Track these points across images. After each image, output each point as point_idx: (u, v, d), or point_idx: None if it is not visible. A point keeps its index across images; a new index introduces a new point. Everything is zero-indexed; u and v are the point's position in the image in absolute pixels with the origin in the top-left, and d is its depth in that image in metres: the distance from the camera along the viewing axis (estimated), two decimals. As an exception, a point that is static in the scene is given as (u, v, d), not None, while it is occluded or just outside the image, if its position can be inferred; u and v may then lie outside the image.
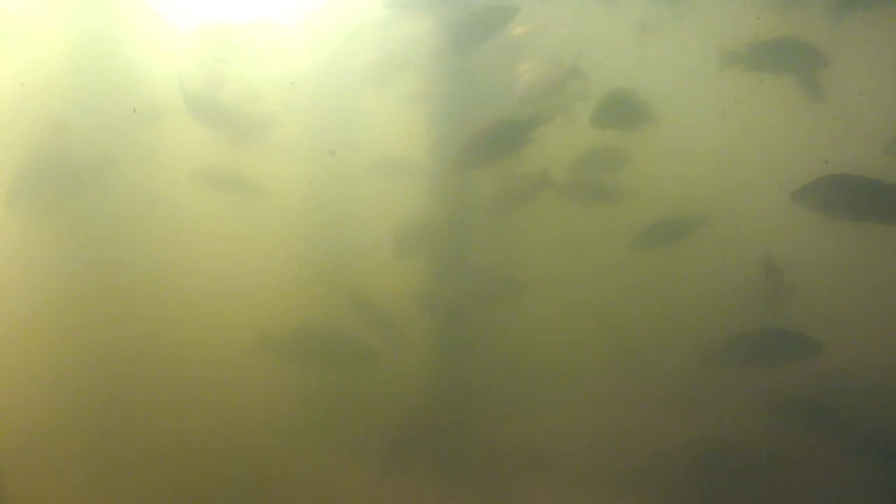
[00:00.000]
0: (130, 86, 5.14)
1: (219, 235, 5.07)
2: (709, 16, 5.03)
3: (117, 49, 5.16)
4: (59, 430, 4.70)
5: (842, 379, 4.52)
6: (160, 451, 4.51)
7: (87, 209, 5.13)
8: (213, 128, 5.18)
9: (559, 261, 5.10)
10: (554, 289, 5.09)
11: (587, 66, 4.63)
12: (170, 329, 4.91)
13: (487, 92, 4.96)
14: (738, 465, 4.52)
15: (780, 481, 4.42)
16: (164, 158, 5.19)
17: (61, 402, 4.79)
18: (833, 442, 4.40)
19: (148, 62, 5.19)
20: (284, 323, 4.81)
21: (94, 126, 5.06)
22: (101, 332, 4.93)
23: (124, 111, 4.99)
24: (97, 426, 4.73)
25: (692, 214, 4.76)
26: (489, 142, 4.45)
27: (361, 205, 5.39)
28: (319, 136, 5.39)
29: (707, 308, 4.94)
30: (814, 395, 4.51)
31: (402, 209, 5.14)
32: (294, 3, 5.25)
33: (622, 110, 4.47)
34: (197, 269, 4.99)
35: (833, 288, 4.72)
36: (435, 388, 5.12)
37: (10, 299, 4.78)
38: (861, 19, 4.61)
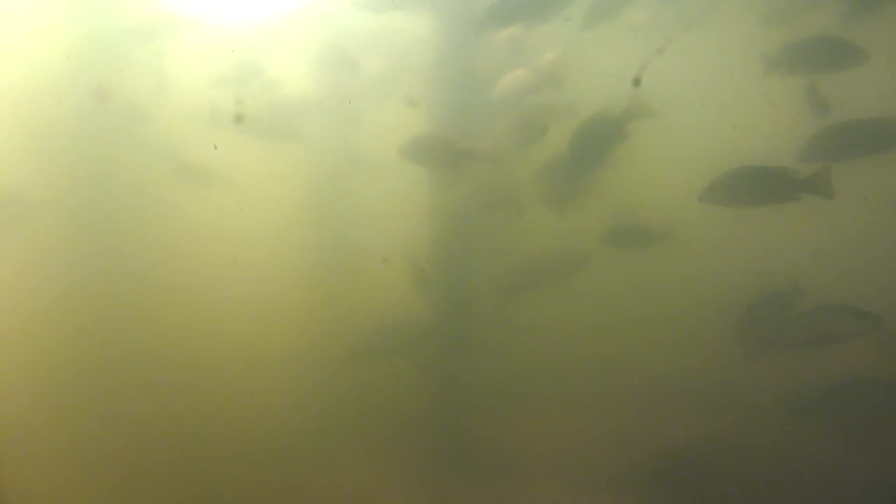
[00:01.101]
0: (132, 87, 5.13)
1: (224, 238, 5.01)
2: (711, 19, 5.06)
3: (120, 49, 5.14)
4: (63, 439, 4.67)
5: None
6: (165, 459, 4.54)
7: (89, 211, 5.10)
8: (216, 130, 5.10)
9: (562, 256, 5.08)
10: (557, 285, 5.10)
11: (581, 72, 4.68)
12: (176, 334, 4.89)
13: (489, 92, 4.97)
14: (746, 465, 4.56)
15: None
16: (163, 159, 5.20)
17: (64, 410, 4.75)
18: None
19: (150, 62, 5.19)
20: (289, 324, 4.88)
21: (94, 127, 5.05)
22: (105, 339, 4.90)
23: (127, 111, 5.01)
24: (103, 435, 4.70)
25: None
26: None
27: (363, 205, 5.38)
28: (322, 137, 5.39)
29: (708, 306, 4.99)
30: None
31: (402, 208, 5.17)
32: (294, 4, 5.24)
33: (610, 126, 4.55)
34: (202, 274, 4.97)
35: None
36: (435, 388, 5.15)
37: (11, 305, 4.76)
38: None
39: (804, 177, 4.08)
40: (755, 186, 4.19)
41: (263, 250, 5.01)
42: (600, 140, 4.54)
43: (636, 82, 4.42)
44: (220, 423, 4.66)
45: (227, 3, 5.19)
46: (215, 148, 4.74)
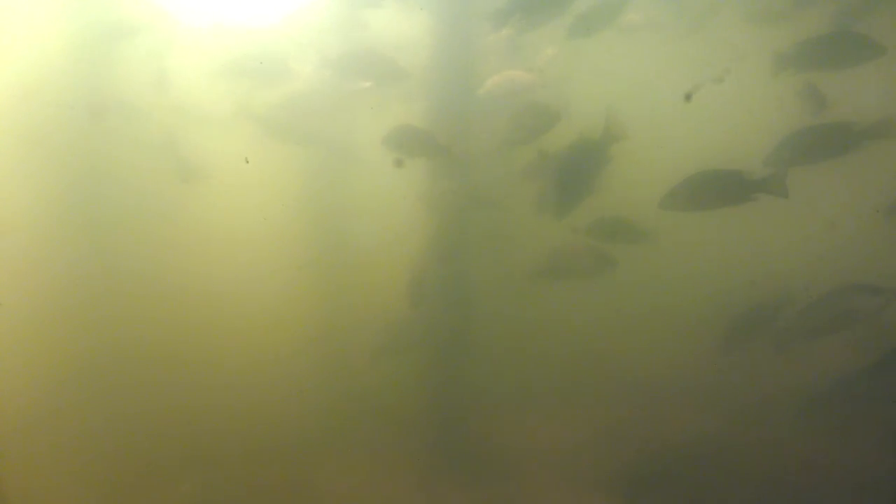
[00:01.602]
0: (130, 85, 5.17)
1: (225, 237, 5.10)
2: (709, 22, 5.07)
3: (117, 45, 5.16)
4: (64, 437, 4.69)
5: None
6: (165, 457, 4.56)
7: (90, 209, 5.15)
8: (213, 127, 5.20)
9: (556, 257, 5.01)
10: (552, 285, 5.06)
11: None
12: (175, 333, 4.93)
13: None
14: (744, 462, 4.55)
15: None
16: (164, 158, 5.21)
17: (65, 409, 4.78)
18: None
19: (148, 59, 5.19)
20: (290, 324, 4.92)
21: (95, 125, 5.09)
22: (106, 338, 4.94)
23: (128, 109, 5.05)
24: (104, 434, 4.73)
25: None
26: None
27: (361, 203, 5.44)
28: (319, 134, 5.41)
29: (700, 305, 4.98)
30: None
31: (400, 207, 5.17)
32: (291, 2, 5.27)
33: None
34: (201, 272, 5.01)
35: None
36: (433, 386, 5.15)
37: (12, 303, 4.72)
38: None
39: (760, 178, 4.13)
40: (716, 190, 4.23)
41: (262, 249, 5.04)
42: (589, 156, 4.55)
43: (687, 97, 4.41)
44: (220, 421, 4.68)
45: (226, 3, 5.23)
46: (247, 162, 4.71)
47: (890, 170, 4.49)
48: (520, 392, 4.99)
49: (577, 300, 5.05)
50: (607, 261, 4.72)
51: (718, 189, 4.20)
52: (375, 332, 5.03)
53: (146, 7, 5.13)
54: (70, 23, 5.05)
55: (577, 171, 4.52)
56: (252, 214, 5.05)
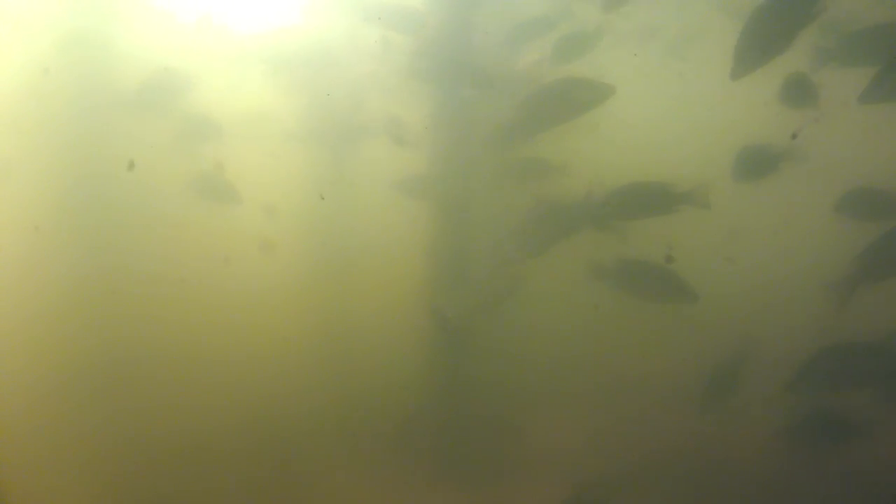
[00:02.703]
0: (125, 84, 5.18)
1: (223, 236, 5.11)
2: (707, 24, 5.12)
3: (111, 43, 5.17)
4: (64, 437, 4.72)
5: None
6: (164, 456, 4.60)
7: (90, 210, 5.18)
8: (210, 126, 5.25)
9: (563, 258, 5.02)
10: (558, 285, 5.09)
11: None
12: (174, 332, 4.94)
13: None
14: (744, 462, 4.58)
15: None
16: (162, 157, 5.19)
17: (64, 408, 4.79)
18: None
19: (148, 58, 5.16)
20: (288, 323, 4.96)
21: (98, 125, 5.16)
22: (104, 338, 4.96)
23: (120, 106, 5.12)
24: (102, 433, 4.75)
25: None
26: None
27: (363, 206, 5.40)
28: (319, 137, 5.44)
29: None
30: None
31: (401, 209, 5.22)
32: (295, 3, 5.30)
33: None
34: (201, 272, 5.02)
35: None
36: (431, 389, 5.20)
37: (13, 303, 4.82)
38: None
39: (684, 191, 4.22)
40: (642, 200, 4.37)
41: (260, 247, 5.04)
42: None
43: (794, 136, 4.39)
44: (219, 420, 4.71)
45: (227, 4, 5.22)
46: (322, 198, 4.85)
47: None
48: (520, 393, 4.97)
49: (577, 301, 5.04)
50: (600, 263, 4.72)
51: (644, 201, 4.32)
52: (377, 334, 5.05)
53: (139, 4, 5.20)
54: (73, 17, 5.09)
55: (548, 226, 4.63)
56: (254, 213, 5.10)
